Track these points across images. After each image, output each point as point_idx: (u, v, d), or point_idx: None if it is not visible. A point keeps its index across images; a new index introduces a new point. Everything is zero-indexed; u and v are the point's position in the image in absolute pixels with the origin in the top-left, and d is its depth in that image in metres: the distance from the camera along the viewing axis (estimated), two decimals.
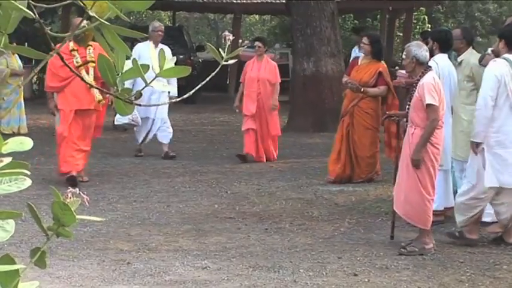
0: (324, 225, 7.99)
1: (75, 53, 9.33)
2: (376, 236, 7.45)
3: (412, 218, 6.96)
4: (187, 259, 6.63)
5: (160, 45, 11.52)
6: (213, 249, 6.99)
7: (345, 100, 10.34)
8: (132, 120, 12.99)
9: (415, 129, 6.83)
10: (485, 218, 7.57)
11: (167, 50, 11.71)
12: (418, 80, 6.87)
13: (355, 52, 12.90)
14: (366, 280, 6.09)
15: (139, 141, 12.13)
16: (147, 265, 6.42)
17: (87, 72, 9.20)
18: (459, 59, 8.52)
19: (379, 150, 10.15)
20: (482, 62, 8.22)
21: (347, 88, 10.21)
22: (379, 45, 10.28)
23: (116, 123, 13.00)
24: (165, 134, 12.00)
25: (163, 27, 12.02)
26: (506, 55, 7.13)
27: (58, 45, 1.53)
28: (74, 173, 9.50)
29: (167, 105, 11.96)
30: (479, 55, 8.95)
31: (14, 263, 1.41)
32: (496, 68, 7.05)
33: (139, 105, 1.63)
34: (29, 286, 1.49)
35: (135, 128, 12.07)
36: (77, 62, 9.28)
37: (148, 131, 11.97)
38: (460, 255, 6.85)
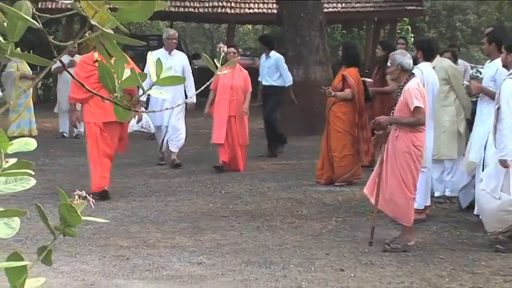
0: (312, 223, 7.99)
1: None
2: (361, 234, 7.45)
3: (396, 216, 6.99)
4: (183, 255, 6.63)
5: (175, 52, 11.48)
6: (208, 246, 6.99)
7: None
8: (142, 127, 12.92)
9: (399, 132, 6.84)
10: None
11: (184, 56, 11.66)
12: (403, 86, 6.92)
13: (263, 59, 12.87)
14: (352, 275, 6.09)
15: (159, 149, 11.86)
16: (145, 261, 6.42)
17: None
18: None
19: (352, 154, 10.08)
20: (473, 93, 8.17)
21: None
22: (348, 52, 10.40)
23: (128, 130, 12.96)
24: (174, 142, 11.57)
25: (177, 35, 11.76)
26: None
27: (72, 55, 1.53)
28: (106, 187, 8.93)
29: (181, 113, 11.66)
30: (448, 60, 9.10)
31: (22, 260, 1.41)
32: None
33: (137, 111, 1.64)
34: (36, 282, 1.49)
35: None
36: None
37: (163, 139, 11.66)
38: (441, 252, 6.87)
